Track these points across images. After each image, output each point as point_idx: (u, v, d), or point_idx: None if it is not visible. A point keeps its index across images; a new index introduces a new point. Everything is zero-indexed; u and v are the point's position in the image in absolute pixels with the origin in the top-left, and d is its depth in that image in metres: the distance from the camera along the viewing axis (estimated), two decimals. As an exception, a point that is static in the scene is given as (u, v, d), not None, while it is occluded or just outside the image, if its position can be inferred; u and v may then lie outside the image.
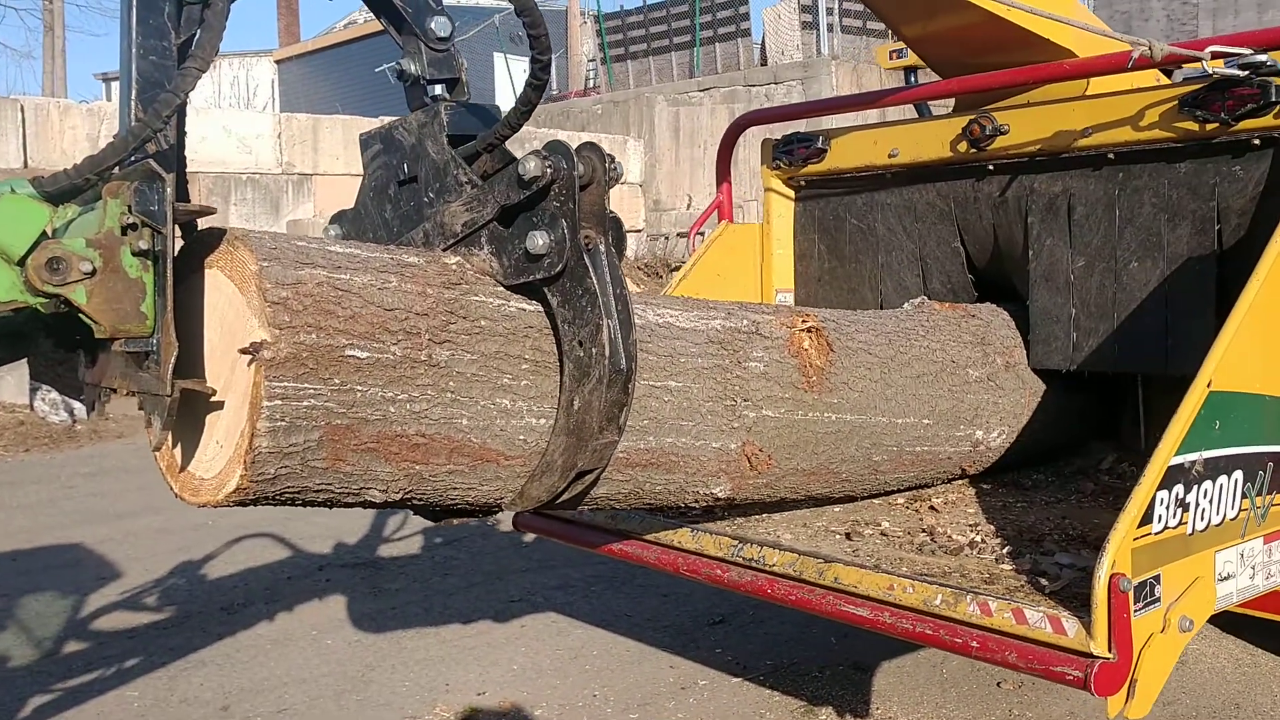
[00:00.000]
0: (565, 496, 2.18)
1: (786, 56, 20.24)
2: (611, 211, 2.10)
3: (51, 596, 5.21)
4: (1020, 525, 3.00)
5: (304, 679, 4.25)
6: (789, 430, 2.81)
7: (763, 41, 21.17)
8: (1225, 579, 2.51)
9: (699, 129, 19.43)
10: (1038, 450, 3.46)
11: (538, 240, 2.02)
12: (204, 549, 5.89)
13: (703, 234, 4.13)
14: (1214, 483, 2.45)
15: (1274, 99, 2.80)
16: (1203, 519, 2.43)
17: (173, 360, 1.89)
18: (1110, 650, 2.21)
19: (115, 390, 2.10)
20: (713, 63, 20.56)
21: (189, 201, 2.17)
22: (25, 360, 2.28)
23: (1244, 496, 2.53)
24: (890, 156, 3.70)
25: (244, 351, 1.90)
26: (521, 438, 2.21)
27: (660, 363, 2.52)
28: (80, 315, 1.89)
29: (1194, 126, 2.97)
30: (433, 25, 2.30)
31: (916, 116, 4.35)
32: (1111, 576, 2.20)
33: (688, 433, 2.58)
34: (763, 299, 4.08)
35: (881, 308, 3.75)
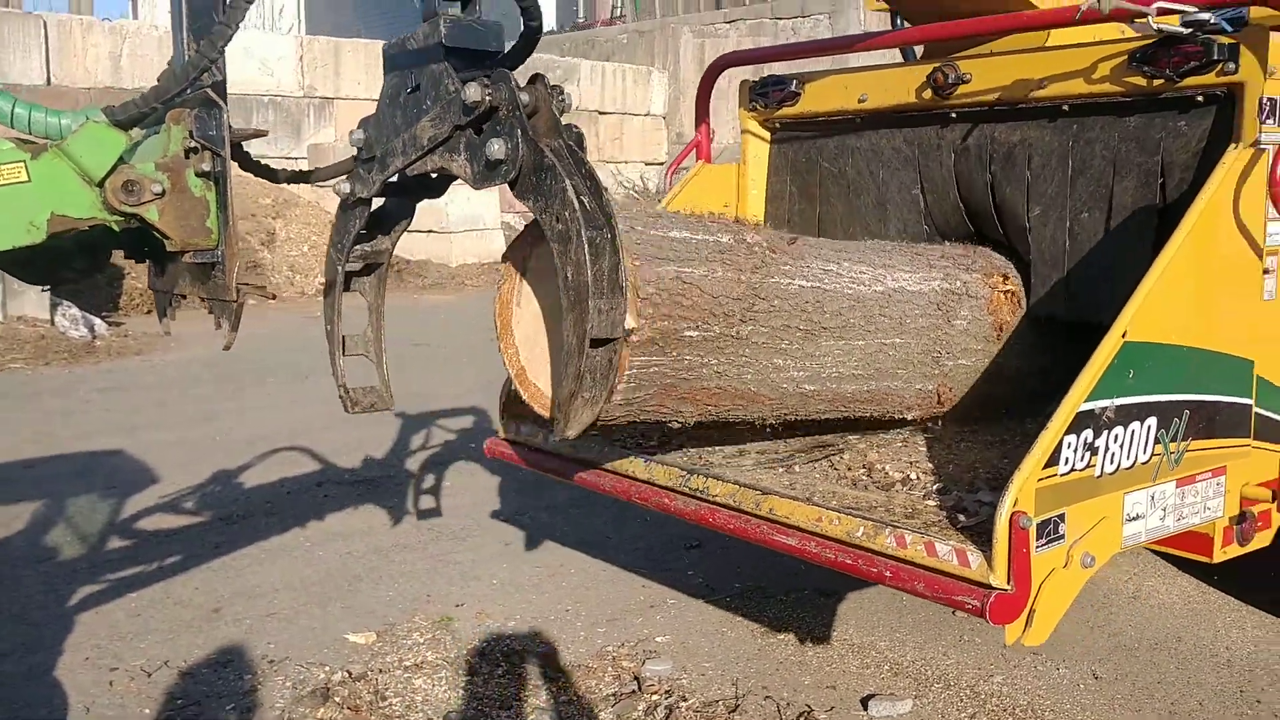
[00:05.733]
0: (591, 381, 2.34)
1: (815, -13, 19.94)
2: (574, 126, 2.27)
3: (61, 503, 5.47)
4: (959, 464, 3.14)
5: (293, 586, 4.49)
6: (975, 372, 3.39)
7: (792, -29, 20.83)
8: (1134, 519, 2.65)
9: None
10: None
11: (494, 146, 2.22)
12: (211, 464, 6.13)
13: (683, 171, 4.23)
14: (1125, 428, 2.58)
15: (1216, 57, 2.86)
16: (1112, 462, 2.56)
17: (236, 268, 2.14)
18: (1009, 582, 2.37)
19: (185, 296, 2.38)
20: (740, -8, 20.30)
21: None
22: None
23: (1157, 442, 2.65)
24: (860, 101, 3.78)
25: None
26: (785, 386, 2.89)
27: (891, 324, 3.11)
28: (153, 231, 2.12)
29: (1142, 81, 3.04)
30: None
31: (901, 61, 4.40)
32: (1013, 514, 2.35)
33: (900, 378, 3.18)
34: (738, 238, 4.19)
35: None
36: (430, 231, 15.10)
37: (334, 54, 15.62)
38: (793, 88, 3.96)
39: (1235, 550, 2.98)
